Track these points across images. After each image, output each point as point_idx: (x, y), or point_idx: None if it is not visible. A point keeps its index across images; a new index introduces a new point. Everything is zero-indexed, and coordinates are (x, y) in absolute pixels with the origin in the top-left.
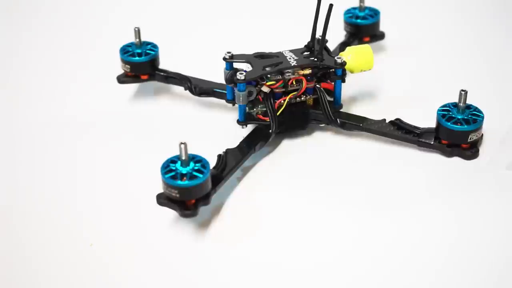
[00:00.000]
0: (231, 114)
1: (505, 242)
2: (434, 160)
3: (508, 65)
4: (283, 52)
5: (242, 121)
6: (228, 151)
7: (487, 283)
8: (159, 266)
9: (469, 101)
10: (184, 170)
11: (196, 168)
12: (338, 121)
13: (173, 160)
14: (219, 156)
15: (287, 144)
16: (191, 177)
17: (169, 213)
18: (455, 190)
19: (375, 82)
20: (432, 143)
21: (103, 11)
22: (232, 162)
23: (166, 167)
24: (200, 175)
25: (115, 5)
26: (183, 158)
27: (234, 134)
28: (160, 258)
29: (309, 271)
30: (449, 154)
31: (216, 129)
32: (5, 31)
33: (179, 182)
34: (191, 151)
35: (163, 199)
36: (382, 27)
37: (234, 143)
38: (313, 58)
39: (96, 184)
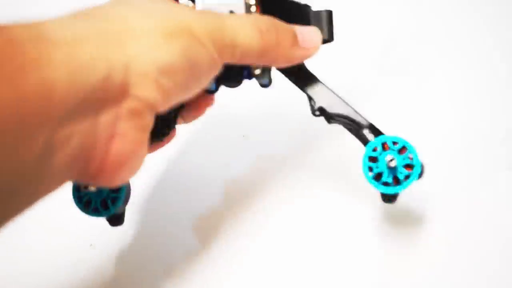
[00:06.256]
0: None
1: (505, 242)
2: None
3: (509, 65)
4: None
5: None
6: None
7: (486, 283)
8: (160, 266)
9: (469, 101)
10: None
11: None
12: None
13: None
14: None
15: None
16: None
17: (170, 214)
18: (455, 190)
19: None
20: None
21: None
22: None
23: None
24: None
25: None
26: None
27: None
28: (161, 258)
29: (310, 274)
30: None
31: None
32: None
33: None
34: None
35: None
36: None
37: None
38: None
39: None
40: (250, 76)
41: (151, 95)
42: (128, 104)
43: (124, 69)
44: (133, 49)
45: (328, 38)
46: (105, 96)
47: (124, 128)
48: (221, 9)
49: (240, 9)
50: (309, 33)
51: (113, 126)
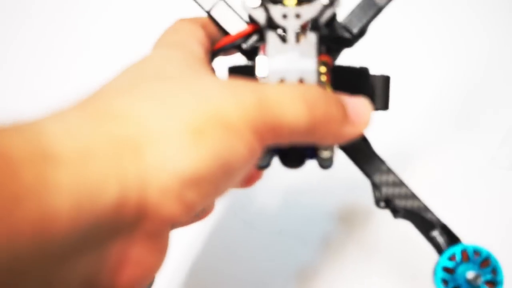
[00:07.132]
0: None
1: (506, 243)
2: None
3: (508, 64)
4: None
5: None
6: None
7: None
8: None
9: (468, 101)
10: None
11: None
12: None
13: None
14: None
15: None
16: None
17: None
18: (455, 190)
19: None
20: None
21: (102, 11)
22: None
23: None
24: None
25: (115, 6)
26: None
27: None
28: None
29: None
30: None
31: None
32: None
33: None
34: None
35: None
36: None
37: None
38: None
39: None
40: (313, 155)
41: (173, 211)
42: (144, 228)
43: (140, 185)
44: (151, 158)
45: (382, 107)
46: (117, 224)
47: (139, 254)
48: (290, 76)
49: (312, 77)
50: (359, 106)
51: (124, 254)
